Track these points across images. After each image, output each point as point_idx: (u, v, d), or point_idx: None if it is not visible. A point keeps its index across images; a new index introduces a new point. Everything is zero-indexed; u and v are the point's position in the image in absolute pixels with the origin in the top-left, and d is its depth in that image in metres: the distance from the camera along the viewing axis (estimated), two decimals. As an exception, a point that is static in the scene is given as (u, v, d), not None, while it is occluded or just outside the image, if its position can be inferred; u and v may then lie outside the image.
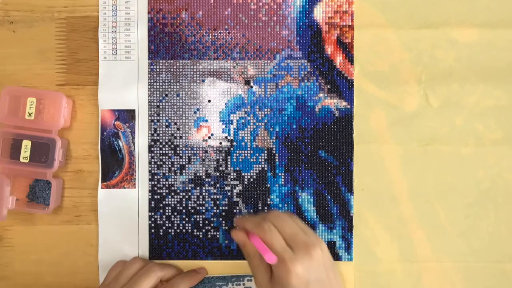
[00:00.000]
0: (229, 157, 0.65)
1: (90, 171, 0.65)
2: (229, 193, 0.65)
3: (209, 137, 0.65)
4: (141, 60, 0.64)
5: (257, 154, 0.65)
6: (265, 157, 0.65)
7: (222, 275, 0.64)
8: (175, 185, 0.65)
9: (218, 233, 0.65)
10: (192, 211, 0.65)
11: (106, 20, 0.64)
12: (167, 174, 0.64)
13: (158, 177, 0.64)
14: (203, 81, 0.65)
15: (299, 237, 0.55)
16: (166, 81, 0.65)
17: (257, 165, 0.65)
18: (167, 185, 0.64)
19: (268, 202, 0.64)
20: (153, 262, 0.63)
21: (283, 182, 0.65)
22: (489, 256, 0.64)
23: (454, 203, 0.64)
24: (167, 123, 0.65)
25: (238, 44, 0.65)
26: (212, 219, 0.65)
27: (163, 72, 0.65)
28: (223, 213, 0.65)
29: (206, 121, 0.65)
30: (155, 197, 0.64)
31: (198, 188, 0.65)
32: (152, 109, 0.64)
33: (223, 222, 0.65)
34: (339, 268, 0.64)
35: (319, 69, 0.64)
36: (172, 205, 0.65)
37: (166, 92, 0.65)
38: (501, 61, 0.64)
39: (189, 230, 0.65)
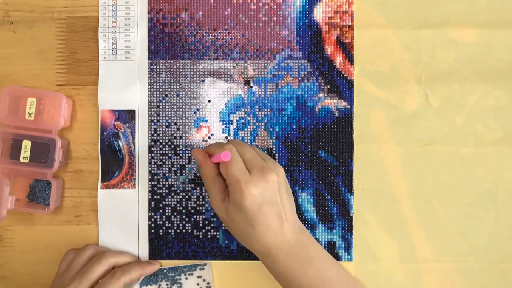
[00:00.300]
0: (229, 157, 0.65)
1: (90, 171, 0.65)
2: (229, 193, 0.65)
3: (209, 137, 0.65)
4: (141, 60, 0.65)
5: (257, 154, 0.65)
6: (265, 157, 0.65)
7: (175, 266, 0.64)
8: (175, 185, 0.65)
9: (218, 233, 0.65)
10: (192, 211, 0.65)
11: (106, 20, 0.64)
12: (167, 174, 0.64)
13: (158, 177, 0.64)
14: (203, 81, 0.65)
15: (257, 162, 0.57)
16: (166, 81, 0.65)
17: (257, 165, 0.65)
18: (167, 185, 0.64)
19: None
20: (105, 249, 0.63)
21: (283, 182, 0.65)
22: (489, 256, 0.64)
23: (454, 203, 0.64)
24: (167, 123, 0.65)
25: (238, 44, 0.65)
26: (212, 219, 0.65)
27: (163, 72, 0.65)
28: (223, 213, 0.65)
29: (206, 121, 0.65)
30: (155, 197, 0.64)
31: (198, 188, 0.65)
32: (152, 109, 0.64)
33: (223, 222, 0.65)
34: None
35: (319, 69, 0.64)
36: (172, 205, 0.65)
37: (166, 92, 0.65)
38: (501, 61, 0.64)
39: (189, 230, 0.65)
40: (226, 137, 0.64)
